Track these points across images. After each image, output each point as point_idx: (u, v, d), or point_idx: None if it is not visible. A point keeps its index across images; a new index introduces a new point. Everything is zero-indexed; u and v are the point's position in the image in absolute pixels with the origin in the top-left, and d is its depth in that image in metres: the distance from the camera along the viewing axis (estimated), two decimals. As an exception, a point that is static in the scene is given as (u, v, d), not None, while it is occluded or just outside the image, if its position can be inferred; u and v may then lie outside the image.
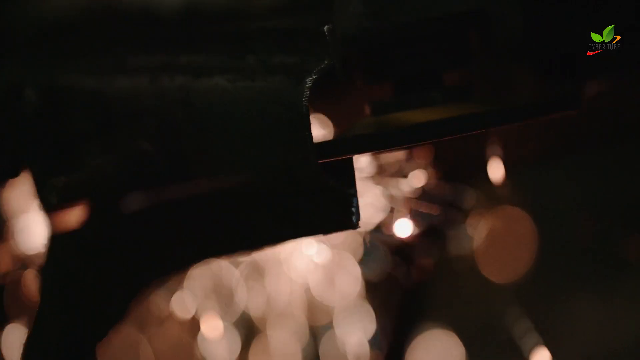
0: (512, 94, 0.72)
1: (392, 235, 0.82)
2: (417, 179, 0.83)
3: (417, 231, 0.82)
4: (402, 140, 0.61)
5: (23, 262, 0.90)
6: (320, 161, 0.60)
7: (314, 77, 0.60)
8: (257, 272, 0.95)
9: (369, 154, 0.77)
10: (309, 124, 0.60)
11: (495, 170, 0.85)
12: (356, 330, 0.98)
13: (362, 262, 0.94)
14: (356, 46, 0.65)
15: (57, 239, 0.72)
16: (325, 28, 0.60)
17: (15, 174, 0.73)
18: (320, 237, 0.84)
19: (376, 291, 0.93)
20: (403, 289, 0.90)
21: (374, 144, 0.61)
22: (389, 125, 0.63)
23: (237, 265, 0.96)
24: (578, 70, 0.67)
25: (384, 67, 0.65)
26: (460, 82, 0.66)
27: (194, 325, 0.98)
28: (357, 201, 0.62)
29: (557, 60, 0.67)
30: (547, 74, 0.68)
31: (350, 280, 0.95)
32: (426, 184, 0.83)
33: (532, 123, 0.65)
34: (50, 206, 0.70)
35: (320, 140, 0.62)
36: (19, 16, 0.73)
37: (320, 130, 0.80)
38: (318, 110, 0.78)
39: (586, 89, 0.69)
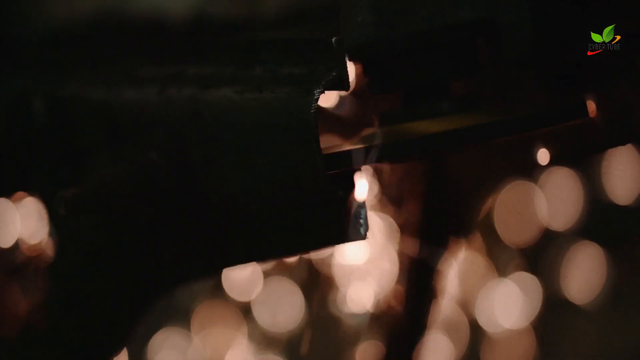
0: (520, 104, 0.72)
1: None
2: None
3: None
4: (411, 151, 0.61)
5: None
6: (328, 172, 0.60)
7: (322, 88, 0.60)
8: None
9: (376, 164, 0.76)
10: (317, 135, 0.59)
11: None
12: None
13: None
14: (364, 56, 0.65)
15: (65, 251, 0.72)
16: (333, 39, 0.60)
17: (23, 185, 0.73)
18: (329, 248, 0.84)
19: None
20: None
21: (382, 155, 0.61)
22: (397, 136, 0.63)
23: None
24: (585, 79, 0.67)
25: (392, 77, 0.65)
26: (468, 92, 0.66)
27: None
28: (366, 212, 0.62)
29: (565, 69, 0.67)
30: (555, 83, 0.68)
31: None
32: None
33: (540, 132, 0.65)
34: (59, 217, 0.70)
35: (328, 152, 0.62)
36: (27, 27, 0.73)
37: (328, 141, 0.80)
38: (326, 121, 0.78)
39: (593, 97, 0.69)
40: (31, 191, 0.74)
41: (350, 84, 0.61)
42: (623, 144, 0.83)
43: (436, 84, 0.65)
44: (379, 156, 0.61)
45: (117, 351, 0.72)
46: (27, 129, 0.71)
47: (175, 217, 0.67)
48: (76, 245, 0.71)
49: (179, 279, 0.70)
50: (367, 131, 0.67)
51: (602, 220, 1.13)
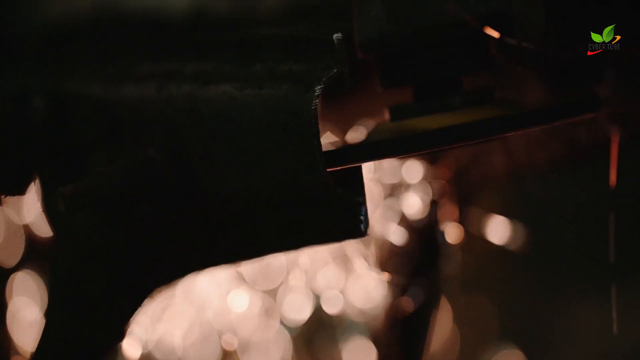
0: (531, 98, 0.72)
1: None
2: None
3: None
4: (423, 145, 0.61)
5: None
6: (329, 169, 0.60)
7: (322, 85, 0.60)
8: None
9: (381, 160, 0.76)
10: (317, 132, 0.60)
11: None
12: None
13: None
14: (376, 51, 0.65)
15: (63, 247, 0.72)
16: (334, 36, 0.60)
17: (22, 182, 0.73)
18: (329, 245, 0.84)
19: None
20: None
21: (393, 150, 0.61)
22: (407, 131, 0.63)
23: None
24: (596, 74, 0.67)
25: (404, 72, 0.65)
26: (479, 87, 0.66)
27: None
28: (366, 209, 0.62)
29: (576, 64, 0.67)
30: (566, 78, 0.68)
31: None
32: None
33: (548, 127, 0.65)
34: (58, 214, 0.70)
35: (329, 148, 0.62)
36: (26, 24, 0.73)
37: (330, 137, 0.80)
38: (330, 117, 0.78)
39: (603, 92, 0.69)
40: (30, 188, 0.74)
41: (350, 82, 0.61)
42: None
43: (448, 78, 0.65)
44: (386, 152, 0.62)
45: (114, 345, 0.72)
46: (26, 126, 0.71)
47: (174, 213, 0.67)
48: (75, 241, 0.71)
49: (178, 274, 0.70)
50: (378, 126, 0.67)
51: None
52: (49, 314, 0.72)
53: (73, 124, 0.70)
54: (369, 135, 0.67)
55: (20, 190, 0.73)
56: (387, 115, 0.67)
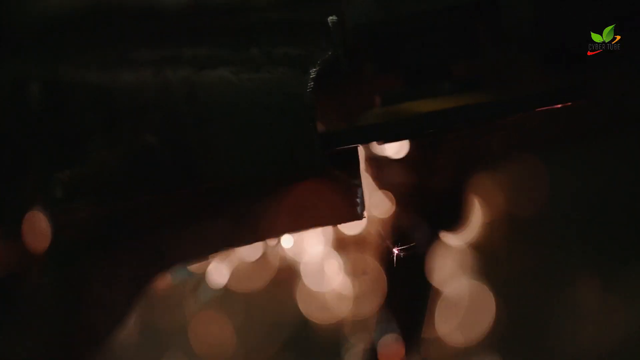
0: (520, 85, 0.72)
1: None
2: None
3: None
4: (412, 130, 0.62)
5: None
6: (325, 152, 0.60)
7: (318, 68, 0.60)
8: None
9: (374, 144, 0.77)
10: (314, 115, 0.60)
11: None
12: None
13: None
14: (366, 36, 0.65)
15: (62, 235, 0.72)
16: (329, 19, 0.60)
17: (20, 169, 0.73)
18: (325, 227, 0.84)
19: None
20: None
21: (382, 134, 0.62)
22: (397, 115, 0.64)
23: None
24: (586, 61, 0.67)
25: (394, 58, 0.66)
26: (469, 73, 0.66)
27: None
28: (362, 192, 0.62)
29: (565, 50, 0.67)
30: (555, 65, 0.68)
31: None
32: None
33: (538, 114, 0.66)
34: (56, 201, 0.70)
35: (325, 131, 0.62)
36: (23, 11, 0.73)
37: (326, 121, 0.80)
38: (324, 100, 0.78)
39: (593, 79, 0.69)
40: (28, 175, 0.74)
41: (347, 65, 0.61)
42: (621, 126, 0.83)
43: (437, 64, 0.65)
44: (379, 135, 0.62)
45: (114, 331, 0.72)
46: (23, 113, 0.71)
47: (172, 198, 0.67)
48: (73, 229, 0.71)
49: (176, 260, 0.70)
50: (367, 111, 0.67)
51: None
52: (46, 302, 0.72)
53: (70, 111, 0.70)
54: (360, 120, 0.67)
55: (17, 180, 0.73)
56: (376, 101, 0.67)
